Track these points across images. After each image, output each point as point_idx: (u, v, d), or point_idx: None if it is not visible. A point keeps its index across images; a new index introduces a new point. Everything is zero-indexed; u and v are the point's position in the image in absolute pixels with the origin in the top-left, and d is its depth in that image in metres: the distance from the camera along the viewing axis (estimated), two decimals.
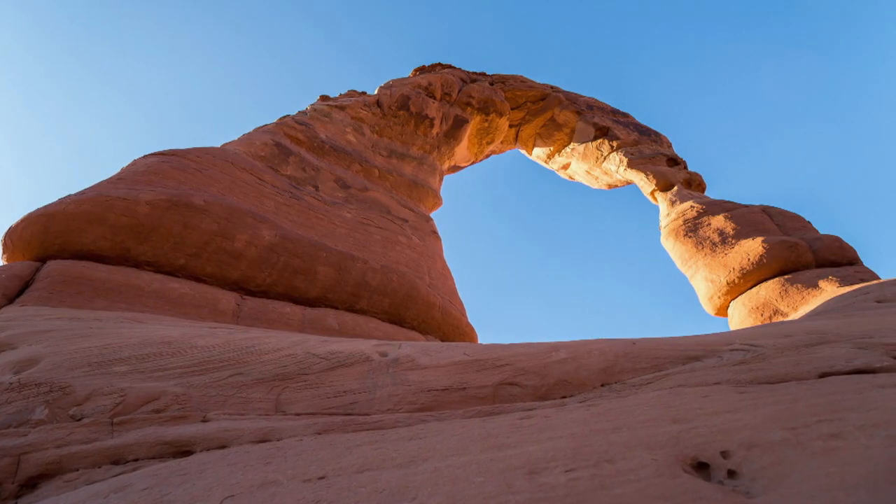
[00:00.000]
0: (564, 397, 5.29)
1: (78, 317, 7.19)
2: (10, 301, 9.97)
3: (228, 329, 7.87)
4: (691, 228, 21.00)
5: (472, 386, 5.03)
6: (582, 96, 30.84)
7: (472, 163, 30.54)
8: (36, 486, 2.96)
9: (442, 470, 1.84)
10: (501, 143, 30.75)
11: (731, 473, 1.59)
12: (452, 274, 21.22)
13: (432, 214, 25.08)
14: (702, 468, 1.67)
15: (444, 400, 4.64)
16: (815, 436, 1.65)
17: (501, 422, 2.80)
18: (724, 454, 1.71)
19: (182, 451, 3.23)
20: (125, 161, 15.18)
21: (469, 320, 19.06)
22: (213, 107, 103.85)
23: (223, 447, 3.19)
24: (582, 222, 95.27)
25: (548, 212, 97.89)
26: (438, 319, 16.91)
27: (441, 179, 26.37)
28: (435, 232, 22.05)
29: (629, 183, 27.67)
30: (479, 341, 19.39)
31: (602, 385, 5.52)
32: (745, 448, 1.67)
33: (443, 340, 17.23)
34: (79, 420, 3.60)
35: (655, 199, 25.55)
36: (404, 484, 1.72)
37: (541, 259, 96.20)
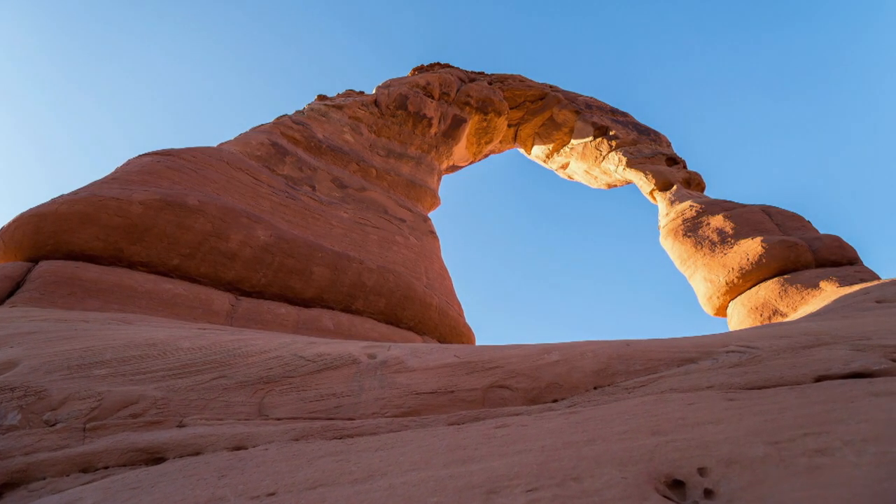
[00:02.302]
0: (556, 400, 5.18)
1: (64, 318, 7.10)
2: (1, 302, 9.88)
3: (217, 330, 7.77)
4: (690, 228, 20.88)
5: (460, 389, 4.92)
6: (581, 95, 30.73)
7: (471, 162, 30.44)
8: (1, 495, 2.85)
9: (397, 488, 1.73)
10: (500, 142, 30.64)
11: (708, 493, 1.47)
12: (451, 274, 21.11)
13: (430, 214, 24.97)
14: (676, 486, 1.55)
15: (431, 404, 4.53)
16: (799, 451, 1.53)
17: (476, 431, 2.69)
18: (702, 471, 1.59)
19: (154, 458, 3.13)
20: (121, 161, 15.10)
21: (467, 321, 18.96)
22: (211, 107, 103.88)
23: (197, 454, 3.08)
24: (581, 222, 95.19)
25: (546, 212, 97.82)
26: (435, 320, 16.80)
27: (439, 179, 26.26)
28: (433, 232, 21.94)
29: (628, 182, 27.55)
30: (477, 342, 19.28)
31: (595, 388, 5.41)
32: (724, 465, 1.55)
33: (440, 341, 17.12)
34: (52, 425, 3.50)
35: (654, 198, 25.43)
36: None
37: (539, 259, 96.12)
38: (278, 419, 3.89)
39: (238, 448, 3.17)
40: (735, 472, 1.48)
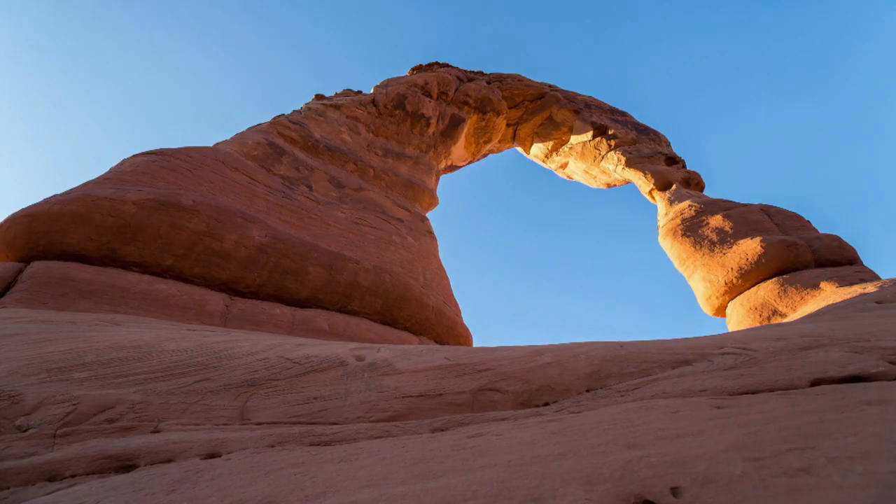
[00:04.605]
0: (547, 403, 5.08)
1: (51, 319, 7.00)
2: None
3: (206, 331, 7.67)
4: (689, 228, 20.75)
5: (449, 392, 4.82)
6: (580, 95, 30.61)
7: (470, 162, 30.34)
8: None
9: None
10: (499, 142, 30.54)
11: None
12: (448, 275, 20.99)
13: (429, 214, 24.85)
14: None
15: (418, 407, 4.43)
16: (781, 470, 1.42)
17: (448, 441, 2.58)
18: (675, 491, 1.47)
19: (125, 465, 3.02)
20: (115, 161, 14.99)
21: (464, 322, 18.83)
22: (208, 106, 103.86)
23: (169, 461, 2.98)
24: (580, 222, 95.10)
25: (545, 211, 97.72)
26: (432, 320, 16.68)
27: (437, 179, 26.16)
28: (430, 232, 21.83)
29: (627, 182, 27.43)
30: (475, 343, 19.17)
31: (587, 390, 5.31)
32: (699, 484, 1.43)
33: (437, 342, 17.01)
34: (24, 431, 3.40)
35: (654, 198, 25.31)
36: None
37: (538, 259, 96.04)
38: (258, 424, 3.79)
39: (211, 455, 3.07)
40: (711, 492, 1.37)
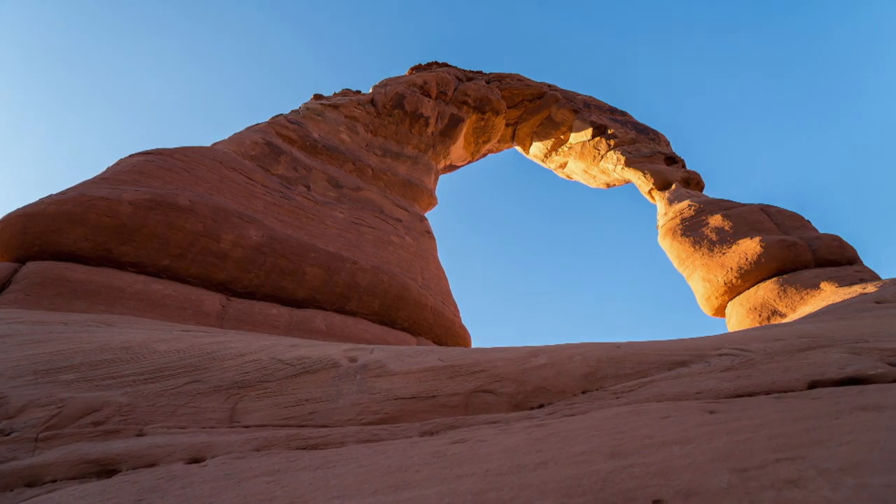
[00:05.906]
0: (541, 405, 5.02)
1: (43, 320, 6.94)
2: None
3: (199, 332, 7.61)
4: (689, 227, 20.67)
5: (442, 394, 4.76)
6: (579, 94, 30.53)
7: (469, 162, 30.26)
8: None
9: None
10: (498, 141, 30.46)
11: None
12: (447, 275, 20.92)
13: (427, 214, 24.78)
14: None
15: (411, 409, 4.37)
16: (768, 482, 1.36)
17: (429, 447, 2.51)
18: None
19: (107, 470, 2.96)
20: (112, 162, 14.93)
21: (463, 322, 18.76)
22: (207, 107, 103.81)
23: (152, 465, 2.92)
24: (579, 222, 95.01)
25: (545, 211, 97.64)
26: (430, 321, 16.62)
27: (436, 179, 26.09)
28: (429, 232, 21.75)
29: (627, 182, 27.35)
30: (473, 344, 19.10)
31: (583, 392, 5.25)
32: (682, 497, 1.36)
33: (435, 342, 16.94)
34: (7, 435, 3.35)
35: (653, 197, 25.23)
36: None
37: (537, 260, 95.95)
38: (246, 427, 3.73)
39: (195, 459, 3.01)
40: None
